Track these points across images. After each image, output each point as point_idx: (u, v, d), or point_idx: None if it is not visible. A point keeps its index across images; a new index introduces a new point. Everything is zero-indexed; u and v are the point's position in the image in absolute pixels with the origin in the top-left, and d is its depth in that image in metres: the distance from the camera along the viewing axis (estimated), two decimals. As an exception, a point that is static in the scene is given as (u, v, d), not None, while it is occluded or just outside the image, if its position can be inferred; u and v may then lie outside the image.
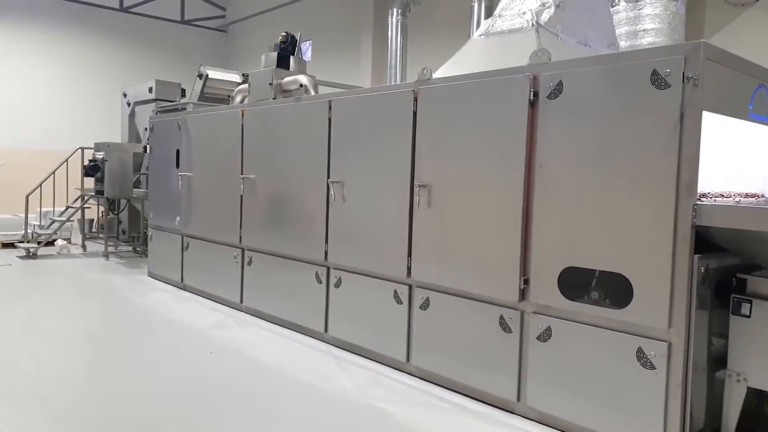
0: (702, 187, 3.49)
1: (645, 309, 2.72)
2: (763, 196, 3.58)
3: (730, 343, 2.76)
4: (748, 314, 2.70)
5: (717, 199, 3.23)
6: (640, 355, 2.73)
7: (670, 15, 4.66)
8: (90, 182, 8.63)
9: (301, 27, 11.75)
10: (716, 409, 2.82)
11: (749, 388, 2.72)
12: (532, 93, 3.12)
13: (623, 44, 4.57)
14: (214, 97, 7.77)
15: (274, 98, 5.21)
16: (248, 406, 3.27)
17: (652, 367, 2.70)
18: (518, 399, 3.23)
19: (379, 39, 9.44)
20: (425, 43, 8.82)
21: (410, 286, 3.84)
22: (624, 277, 2.78)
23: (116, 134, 10.05)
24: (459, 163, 3.50)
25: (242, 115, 5.28)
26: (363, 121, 4.14)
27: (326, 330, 4.45)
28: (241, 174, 5.25)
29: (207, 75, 7.52)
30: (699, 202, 2.63)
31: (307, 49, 12.32)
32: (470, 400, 3.43)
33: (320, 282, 4.49)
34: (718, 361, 2.83)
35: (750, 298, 2.70)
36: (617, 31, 4.62)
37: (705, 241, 2.72)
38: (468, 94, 3.46)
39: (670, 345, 2.66)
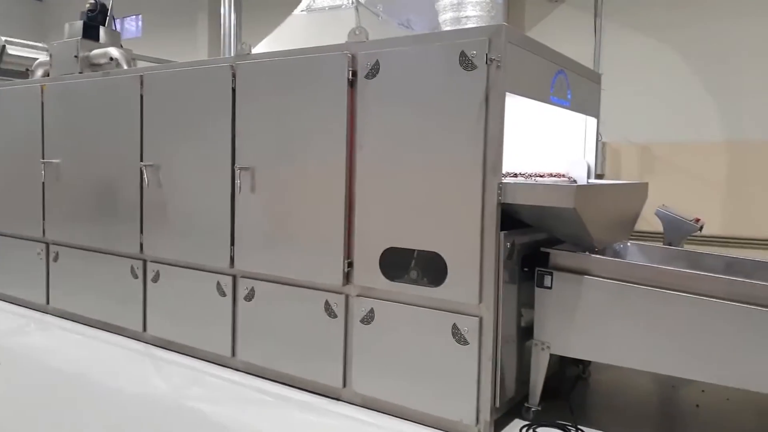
0: (518, 167, 3.69)
1: (458, 286, 2.77)
2: (565, 175, 3.87)
3: (536, 314, 2.91)
4: (549, 286, 2.86)
5: (527, 178, 3.41)
6: (455, 331, 2.79)
7: (489, 4, 4.83)
8: None
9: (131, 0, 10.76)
10: (526, 377, 2.98)
11: (552, 355, 2.90)
12: (350, 72, 3.04)
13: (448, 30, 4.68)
14: (16, 71, 6.78)
15: (80, 72, 4.63)
16: (41, 420, 2.85)
17: (466, 343, 2.76)
18: (344, 385, 3.16)
19: (216, 15, 8.91)
20: (261, 19, 8.47)
21: (234, 277, 3.61)
22: (439, 255, 2.82)
23: None
24: (282, 144, 3.33)
25: (42, 91, 4.63)
26: (179, 98, 3.80)
27: (145, 329, 4.06)
28: (42, 158, 4.62)
29: (4, 46, 6.54)
30: (504, 181, 2.72)
31: (137, 25, 11.33)
32: (297, 391, 3.31)
33: (136, 277, 4.08)
34: (527, 331, 2.99)
35: (551, 270, 2.86)
36: (443, 17, 4.71)
37: (512, 218, 2.84)
38: (289, 72, 3.29)
39: (481, 320, 2.74)
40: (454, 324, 2.79)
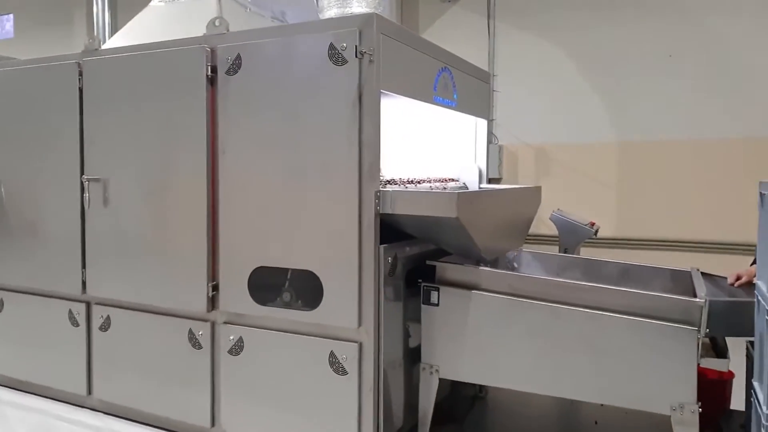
0: (408, 173, 3.45)
1: (335, 308, 2.46)
2: (457, 180, 3.67)
3: (423, 334, 2.65)
4: (436, 302, 2.62)
5: (417, 184, 3.17)
6: (333, 359, 2.47)
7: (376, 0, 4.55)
8: None
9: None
10: (416, 402, 2.71)
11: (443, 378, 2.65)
12: (209, 68, 2.66)
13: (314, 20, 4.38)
14: None
15: None
16: None
17: (345, 372, 2.45)
18: (213, 424, 2.77)
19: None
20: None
21: (88, 304, 3.12)
22: (314, 274, 2.50)
23: None
24: (138, 151, 2.90)
25: None
26: (18, 101, 3.27)
27: (-17, 369, 3.47)
28: None
29: None
30: (382, 189, 2.44)
31: (8, 25, 10.27)
32: (161, 433, 2.88)
33: (-29, 308, 3.48)
34: (416, 353, 2.72)
35: (437, 285, 2.61)
36: (329, 13, 4.41)
37: (395, 230, 2.57)
38: (143, 69, 2.87)
39: (360, 346, 2.44)
40: (332, 352, 2.47)
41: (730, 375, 2.91)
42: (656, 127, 5.76)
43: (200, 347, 2.77)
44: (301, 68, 2.49)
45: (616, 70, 5.90)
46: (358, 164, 2.39)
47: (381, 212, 2.42)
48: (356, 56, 2.34)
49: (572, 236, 3.80)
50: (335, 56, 2.40)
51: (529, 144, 6.30)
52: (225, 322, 2.72)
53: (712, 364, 2.34)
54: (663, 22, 5.75)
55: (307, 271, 2.51)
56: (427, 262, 2.68)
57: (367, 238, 2.41)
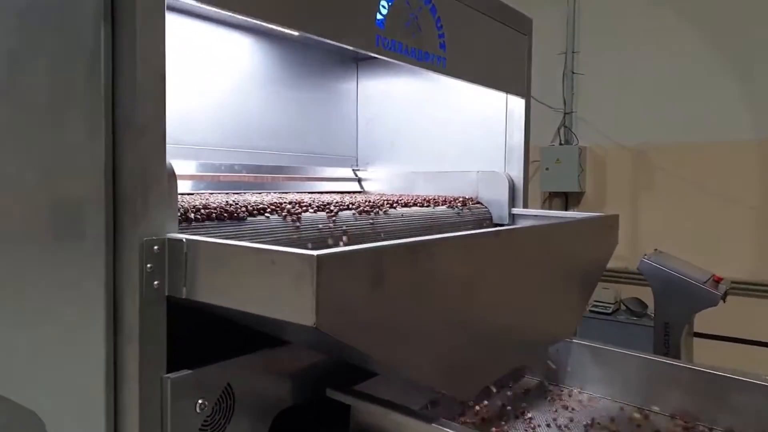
0: (405, 187, 1.98)
1: None
2: (475, 200, 2.15)
3: None
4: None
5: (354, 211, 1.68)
6: None
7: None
8: None
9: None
10: None
11: None
12: None
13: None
14: None
15: None
16: None
17: None
18: None
19: None
20: None
21: None
22: (40, 420, 1.11)
23: None
24: None
25: None
26: None
27: None
28: None
29: None
30: (173, 235, 1.00)
31: None
32: None
33: None
34: None
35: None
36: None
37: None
38: None
39: None
40: None
41: None
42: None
43: None
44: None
45: (754, 38, 4.06)
46: (104, 172, 0.97)
47: (169, 295, 0.99)
48: None
49: (680, 302, 2.10)
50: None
51: (624, 145, 4.57)
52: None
53: None
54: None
55: (29, 411, 1.13)
56: (328, 393, 1.20)
57: (127, 357, 0.98)
